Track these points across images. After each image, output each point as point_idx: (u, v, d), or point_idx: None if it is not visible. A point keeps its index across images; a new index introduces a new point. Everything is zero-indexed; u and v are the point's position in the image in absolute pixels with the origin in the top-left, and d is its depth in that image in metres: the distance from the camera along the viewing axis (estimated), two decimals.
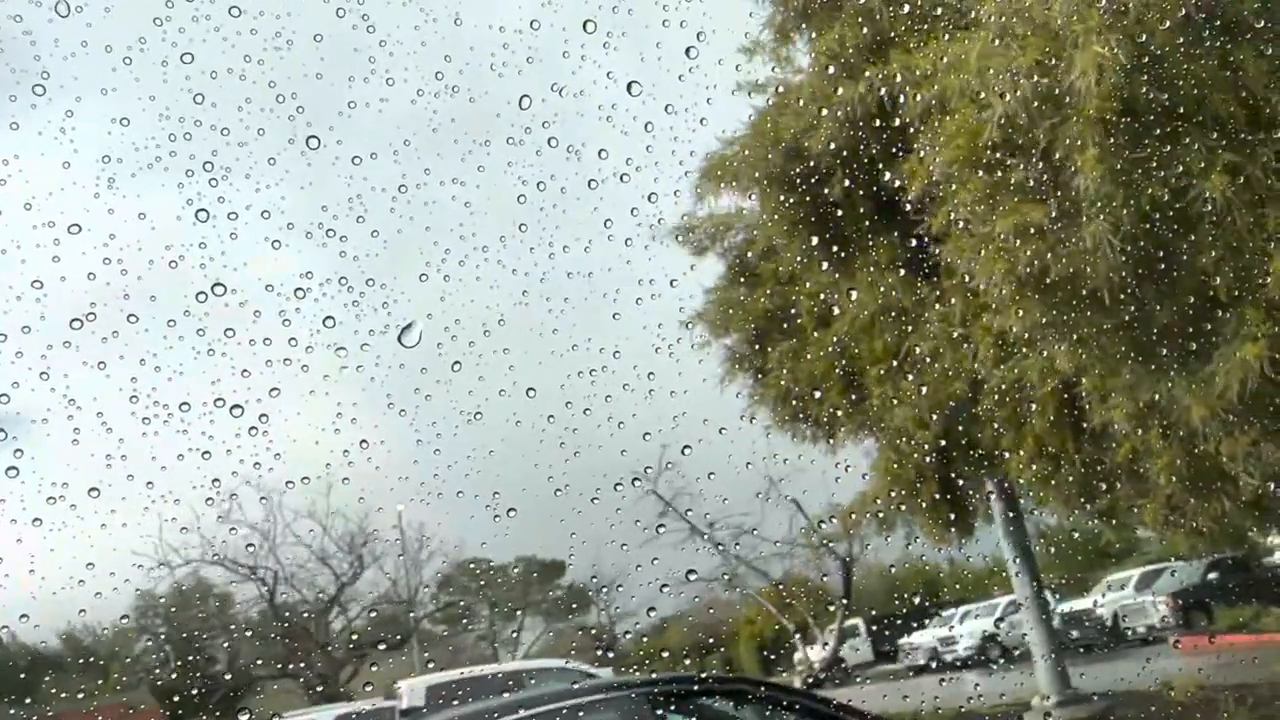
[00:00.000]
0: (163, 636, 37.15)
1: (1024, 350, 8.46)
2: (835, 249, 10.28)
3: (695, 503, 23.48)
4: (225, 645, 36.86)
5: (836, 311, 11.20)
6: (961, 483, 11.74)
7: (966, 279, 8.14)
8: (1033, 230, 6.77)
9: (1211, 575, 25.23)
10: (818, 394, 11.84)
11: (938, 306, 9.56)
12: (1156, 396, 7.28)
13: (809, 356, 11.72)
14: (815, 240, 10.44)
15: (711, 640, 38.28)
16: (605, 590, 33.61)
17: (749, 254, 13.33)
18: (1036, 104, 6.47)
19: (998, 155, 7.00)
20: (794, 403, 12.66)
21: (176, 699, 33.47)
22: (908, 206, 8.47)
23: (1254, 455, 7.22)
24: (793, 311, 12.13)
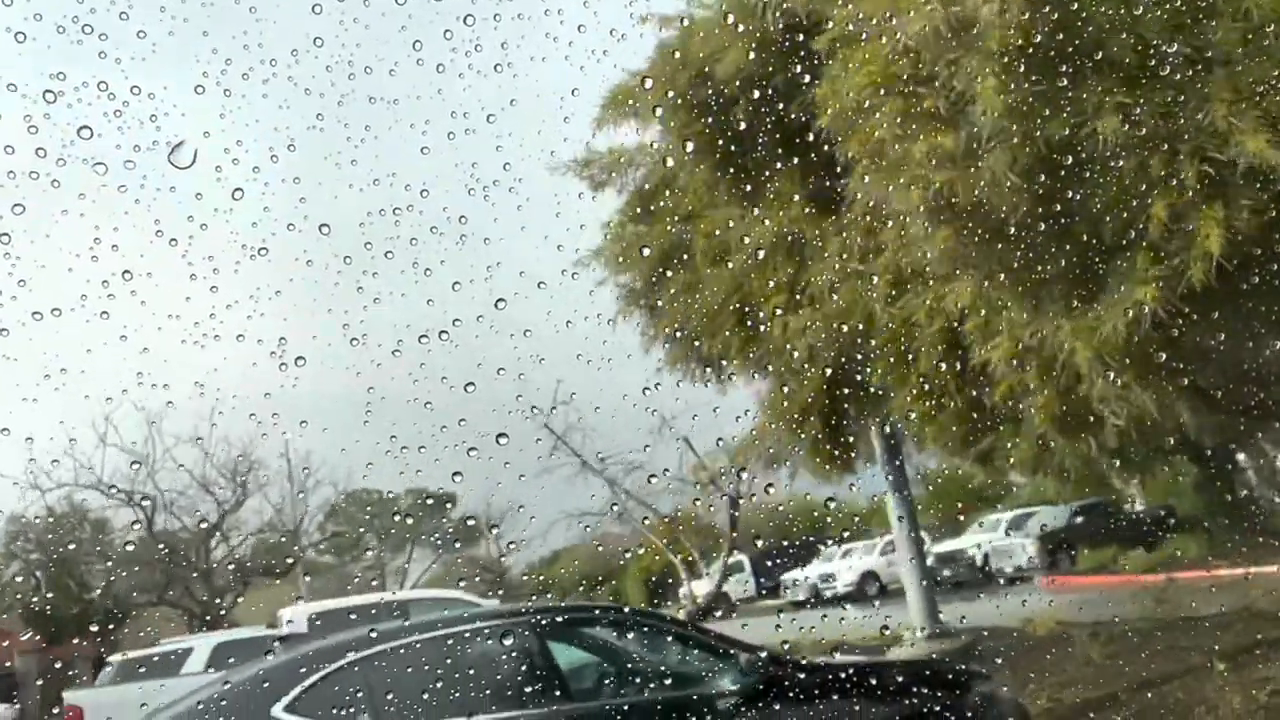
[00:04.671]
0: (34, 561, 35.90)
1: (915, 289, 8.55)
2: (739, 180, 10.18)
3: (587, 438, 23.56)
4: (101, 571, 35.77)
5: (734, 244, 11.14)
6: (847, 422, 11.92)
7: (870, 206, 8.11)
8: (944, 155, 6.75)
9: (1077, 519, 26.46)
10: (709, 329, 11.80)
11: (834, 239, 9.57)
12: (1038, 336, 7.44)
13: (703, 292, 11.67)
14: (719, 171, 10.33)
15: (600, 574, 38.78)
16: (494, 524, 33.54)
17: (648, 188, 13.17)
18: (942, 33, 6.44)
19: (909, 83, 6.95)
20: (686, 340, 12.62)
21: (50, 625, 32.45)
22: (815, 137, 8.38)
23: (1123, 399, 7.48)
24: (689, 246, 12.02)
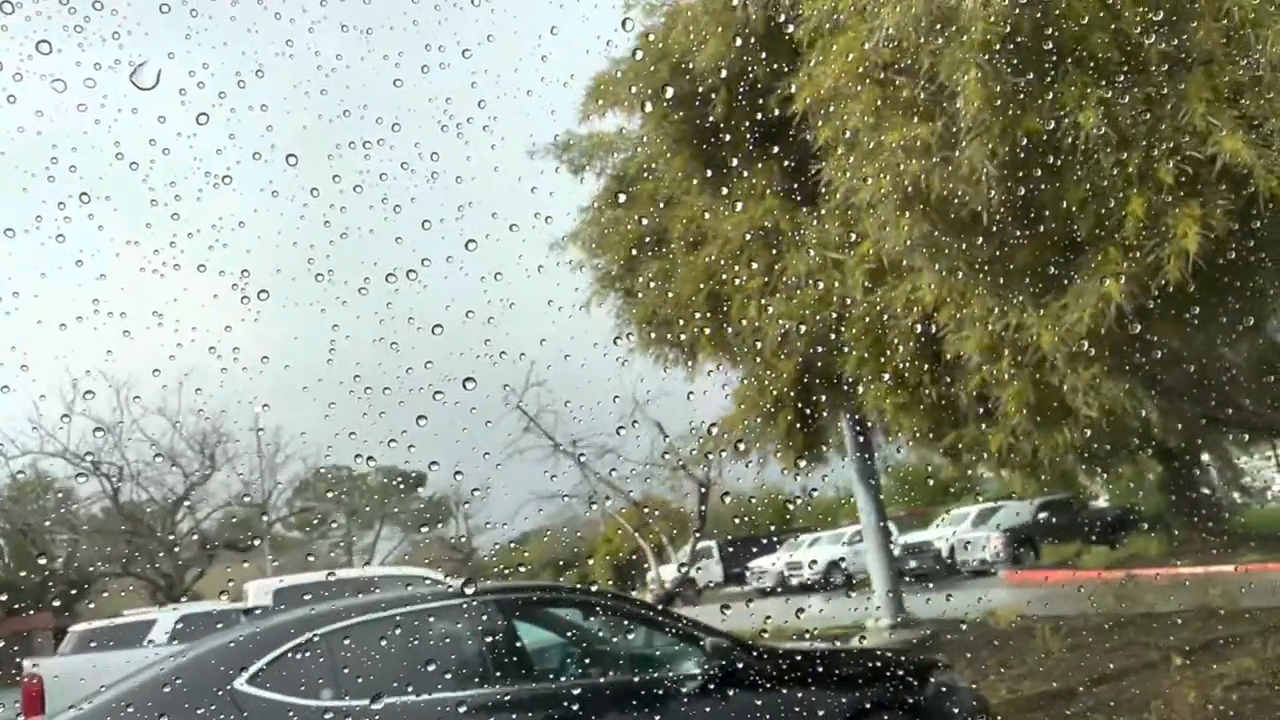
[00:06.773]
0: None
1: (891, 280, 8.57)
2: (716, 168, 10.17)
3: (559, 420, 23.48)
4: (64, 541, 35.40)
5: (711, 233, 11.13)
6: (818, 412, 11.97)
7: (846, 198, 8.12)
8: (919, 146, 6.75)
9: (1041, 515, 26.75)
10: (683, 316, 11.79)
11: (812, 228, 9.59)
12: (1009, 326, 7.48)
13: (678, 278, 11.66)
14: (697, 159, 10.31)
15: (569, 556, 38.82)
16: (464, 503, 33.45)
17: (627, 173, 13.13)
18: (925, 23, 6.44)
19: (887, 72, 6.95)
20: (660, 325, 12.61)
21: (10, 595, 32.10)
22: (793, 128, 8.36)
23: (1094, 389, 7.56)
24: (667, 232, 12.00)
